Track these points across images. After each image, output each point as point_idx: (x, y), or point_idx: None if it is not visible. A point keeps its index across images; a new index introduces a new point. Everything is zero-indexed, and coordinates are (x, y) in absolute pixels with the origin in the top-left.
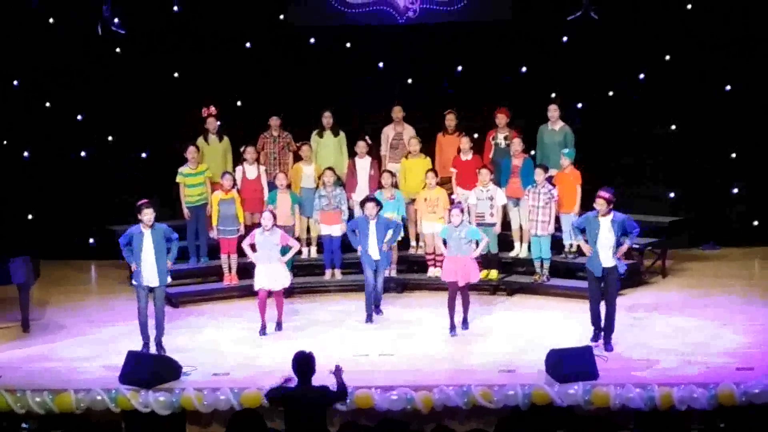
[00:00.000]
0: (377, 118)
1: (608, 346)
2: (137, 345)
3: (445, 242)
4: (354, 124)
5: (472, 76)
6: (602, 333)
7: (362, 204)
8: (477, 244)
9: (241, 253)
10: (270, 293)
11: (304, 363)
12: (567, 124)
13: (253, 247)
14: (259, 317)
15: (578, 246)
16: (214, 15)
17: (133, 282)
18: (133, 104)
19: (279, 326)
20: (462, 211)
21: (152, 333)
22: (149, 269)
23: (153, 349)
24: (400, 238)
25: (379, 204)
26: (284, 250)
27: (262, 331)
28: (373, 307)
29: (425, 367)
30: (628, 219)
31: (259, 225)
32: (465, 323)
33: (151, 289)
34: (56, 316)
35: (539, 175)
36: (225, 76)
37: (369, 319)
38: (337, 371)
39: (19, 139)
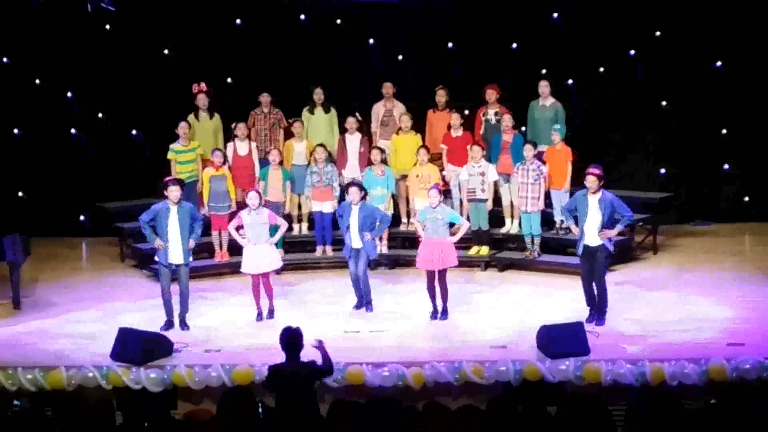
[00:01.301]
0: (369, 99)
1: (601, 322)
2: (128, 322)
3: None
4: (345, 101)
5: (464, 52)
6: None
7: (346, 189)
8: (454, 225)
9: None
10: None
11: (292, 338)
12: (558, 101)
13: (239, 229)
14: (253, 303)
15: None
16: None
17: (156, 259)
18: (123, 81)
19: (271, 314)
20: (440, 192)
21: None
22: (174, 247)
23: (177, 326)
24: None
25: (363, 189)
26: (273, 231)
27: (259, 317)
28: (364, 301)
29: (416, 343)
30: (617, 199)
31: None
32: (444, 313)
33: (174, 268)
34: (47, 293)
35: (528, 151)
36: (215, 53)
37: (360, 304)
38: (320, 345)
39: (10, 116)
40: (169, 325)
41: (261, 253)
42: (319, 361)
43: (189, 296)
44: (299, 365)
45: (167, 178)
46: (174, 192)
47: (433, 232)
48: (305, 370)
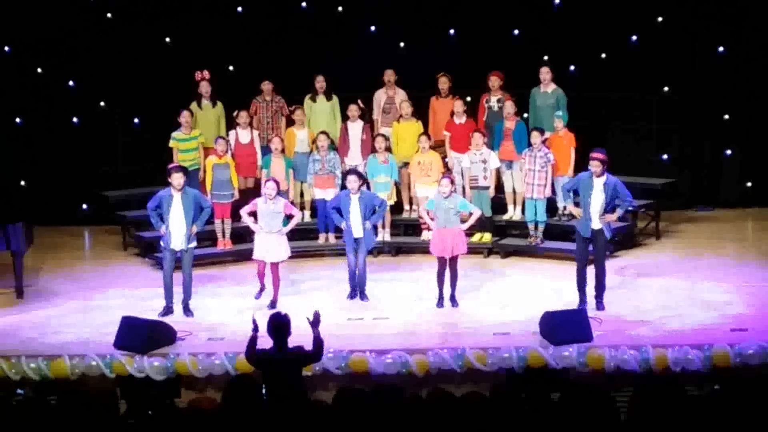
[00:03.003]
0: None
1: (600, 306)
2: (132, 310)
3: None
4: (347, 88)
5: (465, 39)
6: (586, 298)
7: (344, 177)
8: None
9: (235, 217)
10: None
11: (279, 325)
12: (560, 87)
13: (253, 215)
14: (258, 283)
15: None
16: None
17: (161, 244)
18: (124, 70)
19: (273, 305)
20: (452, 181)
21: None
22: (177, 233)
23: (180, 312)
24: (391, 203)
25: (361, 177)
26: (286, 221)
27: (259, 294)
28: (357, 290)
29: (420, 330)
30: (620, 183)
31: (251, 190)
32: (453, 300)
33: (179, 255)
34: (50, 282)
35: (536, 138)
36: (217, 41)
37: (353, 294)
38: (315, 321)
39: (11, 105)
40: (167, 311)
41: (271, 243)
42: (307, 346)
43: (192, 283)
44: (285, 351)
45: (171, 165)
46: (177, 179)
47: (445, 221)
48: (294, 356)
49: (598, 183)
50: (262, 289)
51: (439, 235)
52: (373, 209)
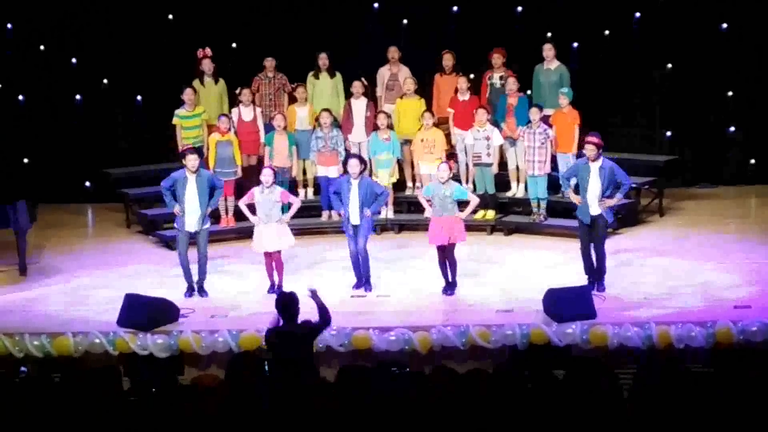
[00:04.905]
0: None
1: (601, 287)
2: (135, 288)
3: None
4: (351, 65)
5: (468, 16)
6: (595, 279)
7: (345, 162)
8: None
9: (238, 195)
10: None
11: (288, 303)
12: (563, 64)
13: (251, 206)
14: (264, 274)
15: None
16: None
17: (175, 226)
18: (127, 47)
19: (279, 289)
20: (450, 168)
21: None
22: (192, 214)
23: (196, 293)
24: (393, 180)
25: (363, 162)
26: (285, 208)
27: (271, 289)
28: (363, 281)
29: (423, 307)
30: (616, 167)
31: (254, 167)
32: (453, 286)
33: (193, 235)
34: (53, 259)
35: (534, 114)
36: (220, 18)
37: (359, 284)
38: (314, 294)
39: (14, 83)
40: (191, 290)
41: (271, 232)
42: (314, 318)
43: (207, 262)
44: (295, 327)
45: (185, 147)
46: (192, 161)
47: (441, 209)
48: (305, 330)
49: (594, 168)
50: (272, 285)
51: (436, 223)
52: (374, 197)
